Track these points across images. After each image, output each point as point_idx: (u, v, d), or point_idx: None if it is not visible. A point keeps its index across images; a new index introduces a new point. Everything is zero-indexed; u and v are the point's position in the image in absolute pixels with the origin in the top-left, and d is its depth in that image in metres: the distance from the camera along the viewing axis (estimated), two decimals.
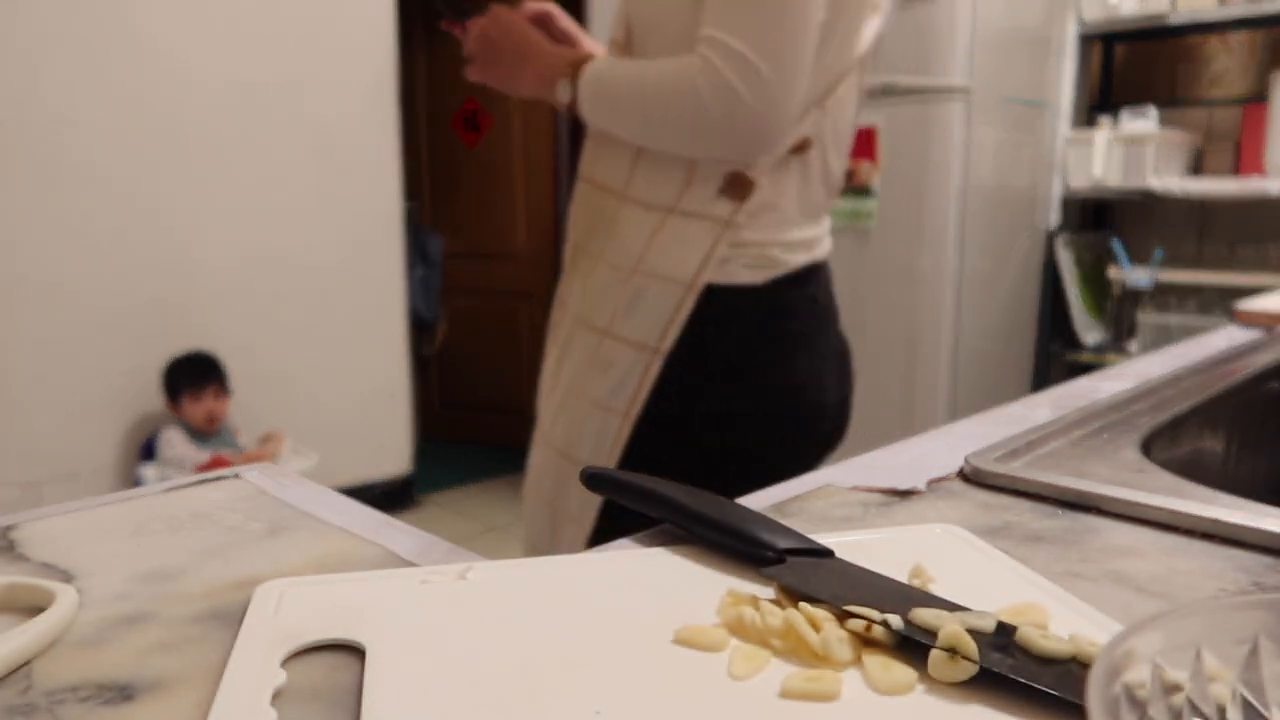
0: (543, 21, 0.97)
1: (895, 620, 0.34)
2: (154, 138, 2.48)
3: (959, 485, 0.56)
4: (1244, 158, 2.24)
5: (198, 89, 2.54)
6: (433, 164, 3.85)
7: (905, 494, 0.54)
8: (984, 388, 2.23)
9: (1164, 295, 2.29)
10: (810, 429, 0.94)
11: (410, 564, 0.45)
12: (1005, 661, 0.32)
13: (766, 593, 0.40)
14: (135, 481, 2.43)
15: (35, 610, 0.38)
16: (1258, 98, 2.29)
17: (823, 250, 0.94)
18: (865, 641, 0.35)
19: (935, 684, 0.32)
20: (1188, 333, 1.94)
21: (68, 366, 2.39)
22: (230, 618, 0.39)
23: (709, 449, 0.90)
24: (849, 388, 1.03)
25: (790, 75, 0.78)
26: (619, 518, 0.80)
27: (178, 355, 2.46)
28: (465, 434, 3.89)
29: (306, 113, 2.73)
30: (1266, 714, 0.25)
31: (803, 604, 0.37)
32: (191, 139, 2.54)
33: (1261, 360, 0.88)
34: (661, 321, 0.86)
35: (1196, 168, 2.35)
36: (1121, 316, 2.39)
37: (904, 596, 0.37)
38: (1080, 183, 2.30)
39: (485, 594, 0.40)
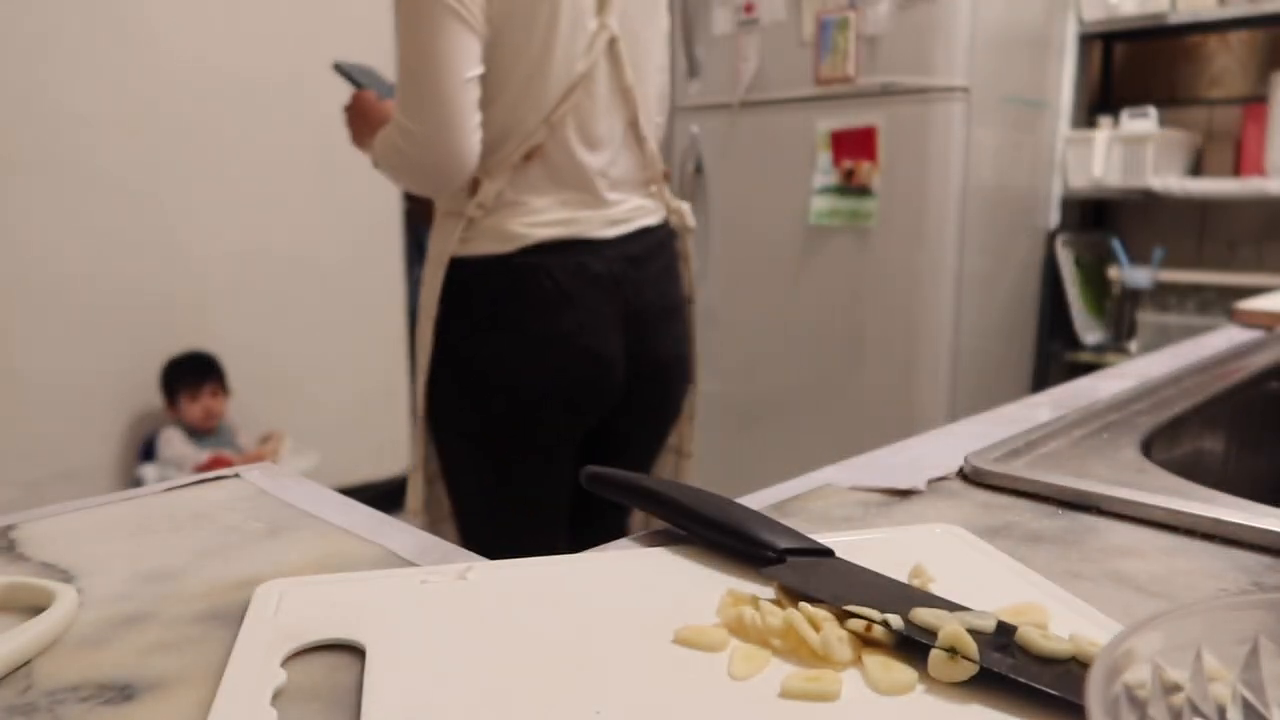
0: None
1: (895, 620, 0.34)
2: (154, 138, 2.48)
3: (959, 485, 0.56)
4: (1244, 158, 2.24)
5: (197, 89, 2.54)
6: None
7: (905, 494, 0.54)
8: (984, 388, 2.23)
9: (1164, 295, 2.29)
10: (589, 372, 1.15)
11: (410, 564, 0.45)
12: (1005, 661, 0.32)
13: (766, 593, 0.40)
14: (135, 481, 2.43)
15: (35, 610, 0.38)
16: (1258, 98, 2.28)
17: (598, 228, 1.15)
18: (865, 641, 0.35)
19: (935, 684, 0.32)
20: (1188, 333, 1.94)
21: (68, 366, 2.39)
22: (230, 618, 0.39)
23: (482, 385, 1.14)
24: (655, 349, 1.21)
25: (439, 129, 1.04)
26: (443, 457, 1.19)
27: (175, 355, 2.46)
28: None
29: (306, 112, 2.73)
30: (1266, 714, 0.25)
31: (803, 604, 0.37)
32: (191, 139, 2.54)
33: (1261, 360, 0.88)
34: (434, 291, 1.15)
35: (1196, 168, 2.35)
36: (1121, 316, 2.39)
37: (904, 596, 0.37)
38: (1080, 183, 2.30)
39: (485, 594, 0.40)
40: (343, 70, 1.41)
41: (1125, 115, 2.27)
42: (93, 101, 2.37)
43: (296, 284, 2.78)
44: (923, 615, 0.34)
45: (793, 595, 0.38)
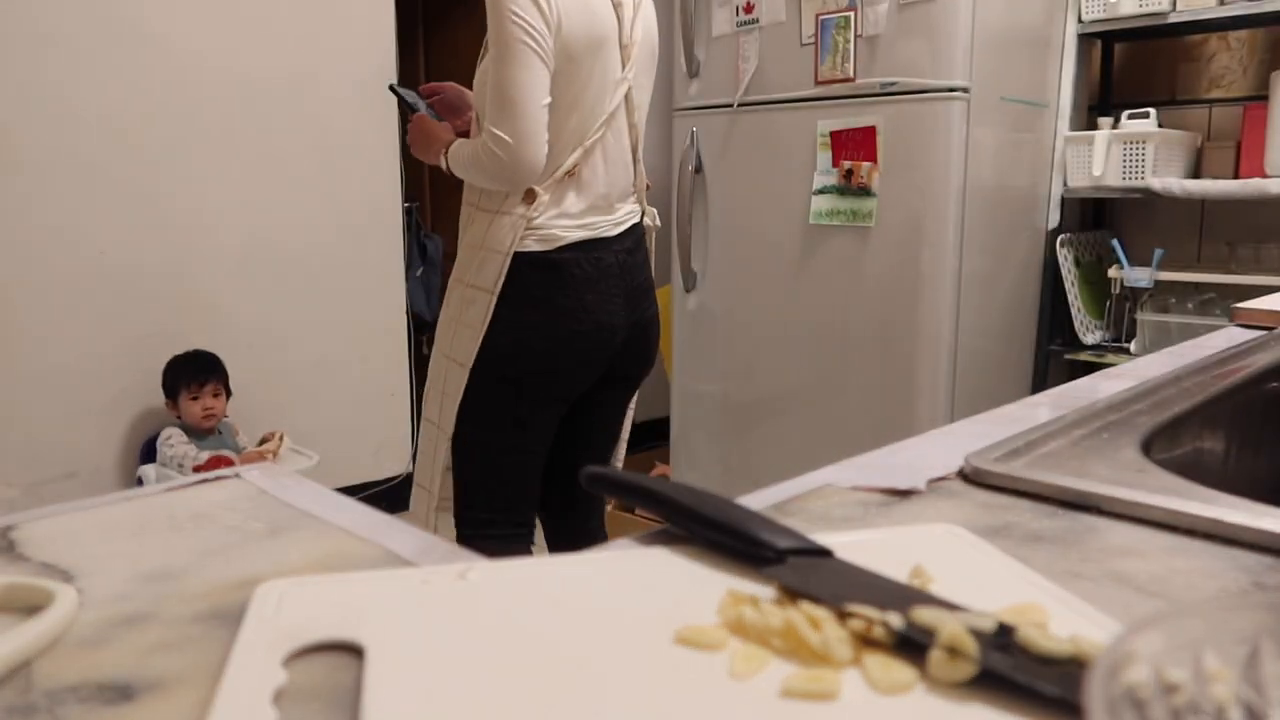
0: (436, 92, 1.67)
1: (895, 620, 0.34)
2: (154, 138, 2.48)
3: (959, 485, 0.56)
4: (1244, 158, 2.24)
5: (198, 88, 2.54)
6: None
7: (905, 494, 0.54)
8: (984, 388, 2.23)
9: (1164, 295, 2.29)
10: (599, 336, 1.52)
11: (410, 564, 0.45)
12: (1005, 661, 0.32)
13: (766, 593, 0.40)
14: (135, 481, 2.43)
15: (35, 610, 0.38)
16: (1258, 98, 2.28)
17: (608, 229, 1.52)
18: (865, 641, 0.35)
19: (935, 684, 0.32)
20: (1188, 333, 1.94)
21: (68, 366, 2.39)
22: (230, 618, 0.39)
23: (529, 346, 1.49)
24: (643, 315, 1.59)
25: (524, 140, 1.37)
26: (473, 419, 1.52)
27: (179, 354, 2.46)
28: None
29: (306, 112, 2.73)
30: (1267, 714, 0.25)
31: (803, 604, 0.37)
32: (192, 139, 2.54)
33: (1261, 360, 0.88)
34: (495, 275, 1.46)
35: (1196, 168, 2.35)
36: (1121, 316, 2.39)
37: (904, 596, 0.37)
38: (1080, 182, 2.30)
39: (485, 594, 0.40)
40: (397, 93, 1.71)
41: (1125, 115, 2.27)
42: (93, 101, 2.37)
43: (297, 284, 2.78)
44: (923, 615, 0.34)
45: (793, 595, 0.38)
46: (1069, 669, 0.31)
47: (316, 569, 0.45)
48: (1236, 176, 2.24)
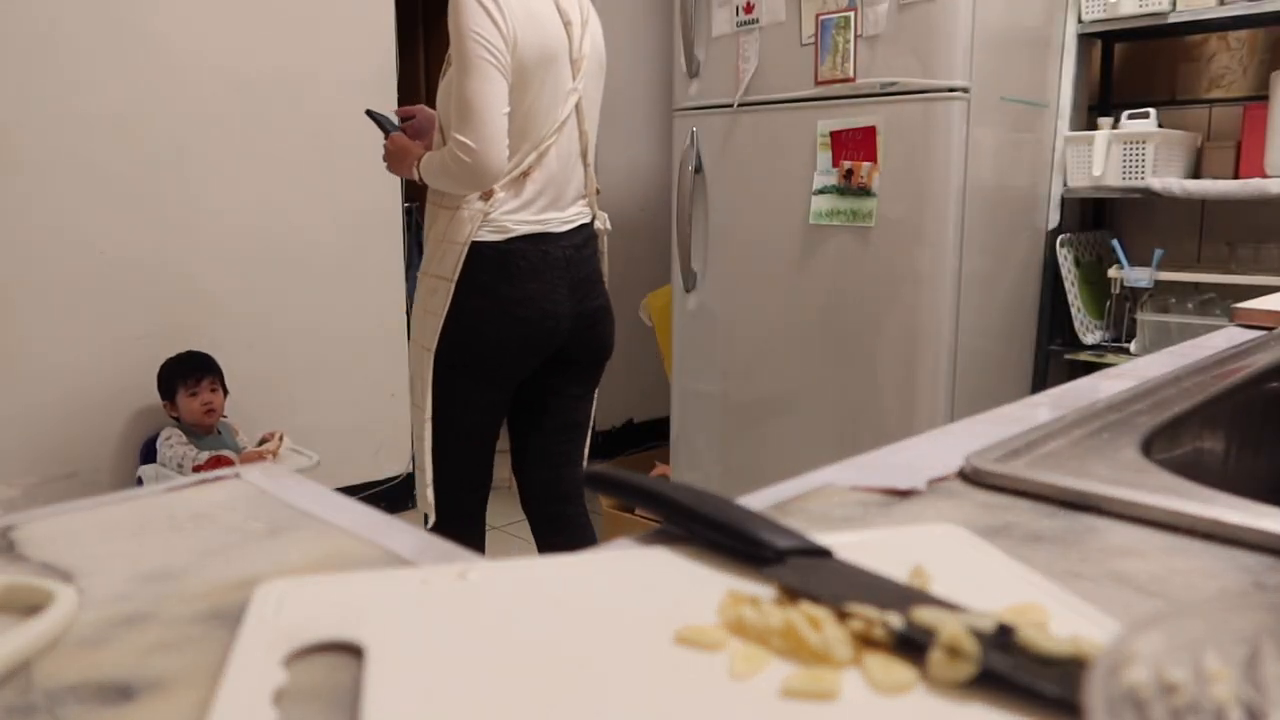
0: (409, 115, 1.82)
1: (895, 620, 0.34)
2: (154, 138, 2.48)
3: (959, 485, 0.56)
4: (1244, 158, 2.24)
5: (198, 88, 2.54)
6: None
7: (905, 494, 0.54)
8: (984, 388, 2.23)
9: (1164, 295, 2.28)
10: (544, 324, 1.66)
11: (410, 564, 0.45)
12: (1005, 661, 0.32)
13: (766, 593, 0.40)
14: (135, 481, 2.43)
15: (35, 610, 0.38)
16: (1258, 98, 2.28)
17: (558, 225, 1.67)
18: (865, 641, 0.35)
19: (935, 684, 0.32)
20: (1188, 333, 1.94)
21: (68, 366, 2.39)
22: (230, 618, 0.39)
23: (476, 330, 1.64)
24: (589, 305, 1.73)
25: (487, 145, 1.51)
26: (448, 398, 1.69)
27: (169, 358, 2.46)
28: None
29: (306, 112, 2.73)
30: (1267, 714, 0.25)
31: (803, 604, 0.37)
32: (191, 139, 2.54)
33: (1261, 360, 0.88)
34: (454, 264, 1.61)
35: (1196, 168, 2.35)
36: (1121, 316, 2.39)
37: (904, 596, 0.37)
38: (1080, 183, 2.30)
39: (485, 594, 0.40)
40: (374, 116, 1.84)
41: (1125, 115, 2.27)
42: (93, 101, 2.37)
43: (297, 284, 2.78)
44: (923, 615, 0.34)
45: (793, 595, 0.38)
46: (1069, 669, 0.31)
47: (316, 569, 0.45)
48: (1236, 176, 2.24)
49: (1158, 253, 2.24)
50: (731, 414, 2.49)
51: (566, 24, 1.63)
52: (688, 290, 2.54)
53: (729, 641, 0.35)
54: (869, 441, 0.66)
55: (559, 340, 1.70)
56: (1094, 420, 0.66)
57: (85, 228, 2.38)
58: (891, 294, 2.14)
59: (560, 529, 1.87)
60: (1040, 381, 2.39)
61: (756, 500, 0.52)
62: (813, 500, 0.53)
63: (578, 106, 1.67)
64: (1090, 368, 2.11)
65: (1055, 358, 2.40)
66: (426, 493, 1.72)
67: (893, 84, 2.08)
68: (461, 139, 1.51)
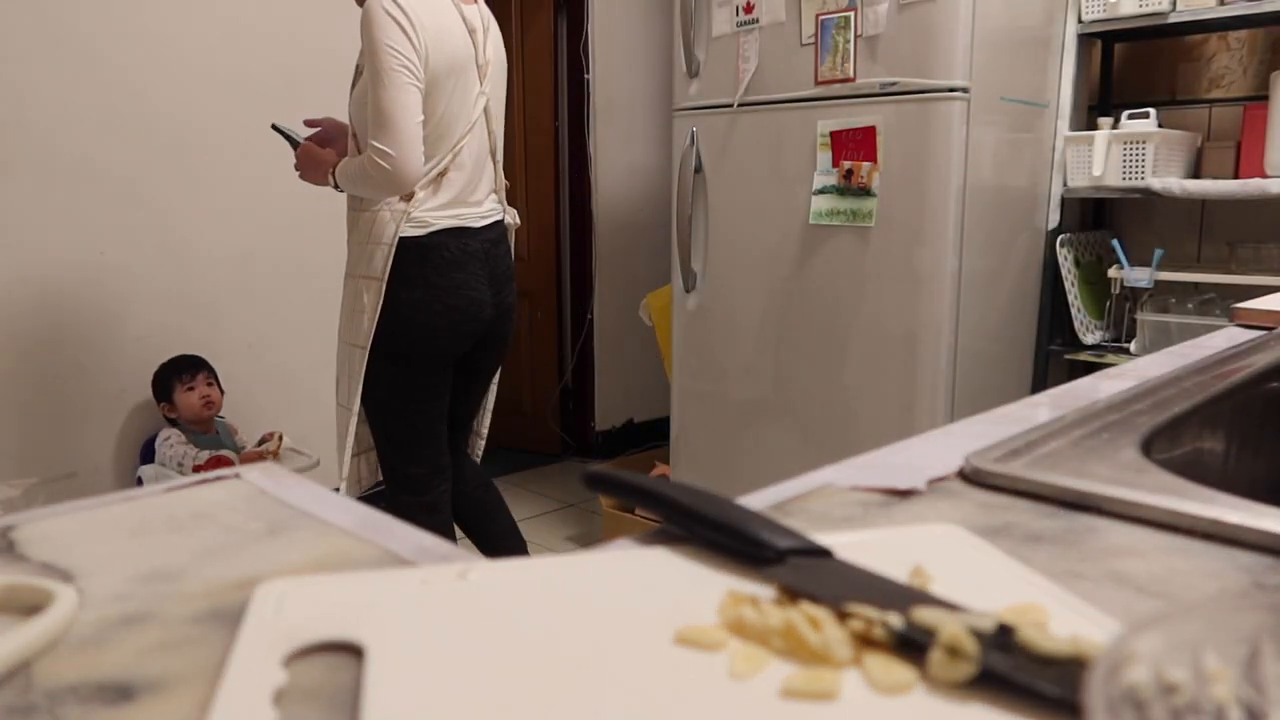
0: (316, 125, 1.98)
1: (895, 620, 0.34)
2: (153, 139, 2.48)
3: (959, 485, 0.56)
4: (1244, 158, 2.24)
5: (197, 89, 2.54)
6: None
7: (905, 494, 0.54)
8: (984, 388, 2.23)
9: (1164, 295, 2.28)
10: (471, 310, 1.80)
11: (410, 564, 0.45)
12: (1005, 661, 0.32)
13: (766, 593, 0.40)
14: (135, 481, 2.43)
15: (35, 610, 0.38)
16: (1258, 98, 2.28)
17: (474, 220, 1.81)
18: (865, 641, 0.35)
19: (935, 684, 0.32)
20: (1188, 333, 1.94)
21: (67, 366, 2.39)
22: (230, 618, 0.39)
23: (411, 320, 1.75)
24: (505, 299, 1.89)
25: (405, 151, 1.62)
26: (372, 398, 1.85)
27: (162, 362, 2.46)
28: None
29: (305, 113, 2.72)
30: (1267, 714, 0.25)
31: (803, 604, 0.37)
32: (190, 139, 2.54)
33: (1261, 360, 0.88)
34: (383, 263, 1.72)
35: (1196, 168, 2.35)
36: (1121, 316, 2.39)
37: (904, 596, 0.37)
38: (1080, 182, 2.30)
39: (485, 594, 0.40)
40: (280, 130, 1.98)
41: (1125, 115, 2.27)
42: (93, 101, 2.37)
43: (296, 284, 2.78)
44: (923, 615, 0.34)
45: (793, 595, 0.38)
46: (1069, 669, 0.31)
47: (316, 569, 0.45)
48: (1236, 176, 2.24)
49: (1158, 253, 2.24)
50: (731, 414, 2.49)
51: (471, 31, 1.74)
52: (688, 290, 2.54)
53: (729, 641, 0.35)
54: (869, 441, 0.66)
55: (482, 328, 1.83)
56: (1094, 420, 0.66)
57: (84, 227, 2.38)
58: (891, 294, 2.13)
59: (476, 508, 2.06)
60: (1040, 381, 2.39)
61: (756, 500, 0.52)
62: (813, 500, 0.53)
63: (486, 108, 1.80)
64: (1090, 368, 2.11)
65: (1055, 358, 2.40)
66: (344, 490, 1.81)
67: (893, 84, 2.08)
68: (380, 146, 1.60)
